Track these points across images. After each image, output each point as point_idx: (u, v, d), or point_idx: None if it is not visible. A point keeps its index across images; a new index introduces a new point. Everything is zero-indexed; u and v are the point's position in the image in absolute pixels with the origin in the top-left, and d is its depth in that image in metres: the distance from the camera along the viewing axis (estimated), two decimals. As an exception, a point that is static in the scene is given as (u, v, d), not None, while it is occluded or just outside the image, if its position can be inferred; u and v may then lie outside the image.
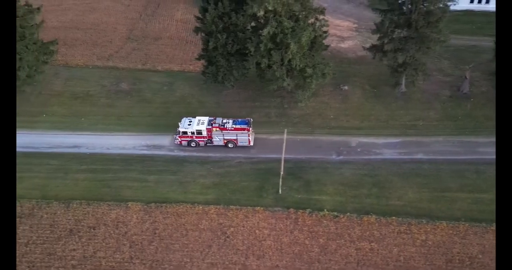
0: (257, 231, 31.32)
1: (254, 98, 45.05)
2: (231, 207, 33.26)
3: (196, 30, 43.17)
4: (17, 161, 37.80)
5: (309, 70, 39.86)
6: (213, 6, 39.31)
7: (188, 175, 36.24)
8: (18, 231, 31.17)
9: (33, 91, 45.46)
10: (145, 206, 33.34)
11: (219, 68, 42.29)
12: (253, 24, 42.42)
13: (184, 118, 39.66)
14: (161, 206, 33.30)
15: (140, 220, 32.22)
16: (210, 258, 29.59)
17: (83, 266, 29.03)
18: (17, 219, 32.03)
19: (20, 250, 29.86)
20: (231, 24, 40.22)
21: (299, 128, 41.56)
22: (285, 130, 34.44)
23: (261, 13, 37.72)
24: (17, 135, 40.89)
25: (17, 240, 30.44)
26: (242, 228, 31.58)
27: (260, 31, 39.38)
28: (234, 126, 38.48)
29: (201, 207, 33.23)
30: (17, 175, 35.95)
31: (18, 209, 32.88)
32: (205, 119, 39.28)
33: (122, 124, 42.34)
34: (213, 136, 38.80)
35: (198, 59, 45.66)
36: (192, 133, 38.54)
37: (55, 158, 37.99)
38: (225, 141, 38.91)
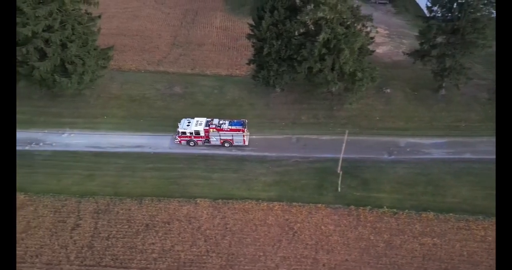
0: (322, 227, 31.40)
1: (301, 101, 45.14)
2: (294, 204, 33.35)
3: (249, 37, 43.34)
4: (87, 160, 38.79)
5: (359, 74, 39.88)
6: (269, 14, 39.47)
7: (249, 173, 36.39)
8: (97, 225, 31.63)
9: (93, 94, 45.91)
10: (213, 202, 33.55)
11: (270, 73, 42.52)
12: (302, 30, 42.71)
13: (184, 119, 40.21)
14: (228, 202, 33.47)
15: (210, 216, 32.43)
16: (281, 252, 29.71)
17: (163, 259, 29.22)
18: (95, 214, 32.56)
19: (102, 243, 30.18)
20: (284, 31, 40.40)
21: (347, 129, 41.52)
22: (346, 131, 34.37)
23: (316, 18, 38.00)
24: (83, 135, 42.22)
25: (98, 234, 31.03)
26: (307, 224, 31.66)
27: (313, 38, 39.59)
28: (230, 127, 38.97)
29: (265, 204, 33.35)
30: (89, 172, 37.10)
31: (94, 205, 33.37)
32: (203, 120, 39.75)
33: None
34: (210, 136, 39.23)
35: (249, 63, 45.97)
36: (191, 133, 38.98)
37: (121, 157, 38.23)
38: (222, 141, 39.37)
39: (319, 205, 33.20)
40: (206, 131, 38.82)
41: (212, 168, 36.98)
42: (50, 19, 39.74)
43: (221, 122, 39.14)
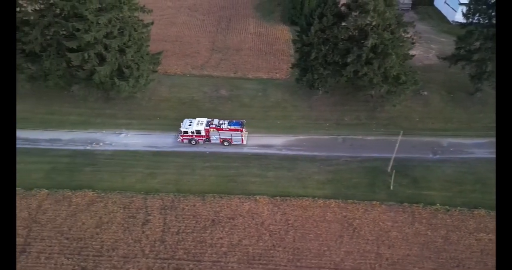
0: (380, 223, 31.35)
1: (342, 103, 45.07)
2: (349, 201, 33.30)
3: (295, 41, 43.52)
4: (147, 159, 38.97)
5: (403, 77, 39.86)
6: (317, 20, 39.59)
7: (302, 171, 36.40)
8: (166, 221, 31.81)
9: (144, 97, 46.18)
10: (272, 199, 33.59)
11: (315, 76, 42.59)
12: (346, 35, 42.63)
13: (186, 119, 40.65)
14: (286, 200, 33.49)
15: (271, 212, 32.49)
16: (345, 247, 29.70)
17: (233, 252, 29.35)
18: (162, 210, 32.69)
19: (173, 238, 30.34)
20: (331, 36, 40.47)
21: (390, 129, 41.59)
22: (401, 132, 34.18)
23: (364, 24, 37.99)
24: (139, 135, 42.09)
25: (168, 229, 31.21)
26: (365, 220, 31.62)
27: (359, 43, 39.56)
28: (229, 127, 39.45)
29: (322, 201, 33.33)
30: (150, 171, 37.28)
31: (159, 202, 33.57)
32: (204, 120, 40.24)
33: (228, 126, 43.09)
34: (210, 135, 39.61)
35: (292, 67, 46.07)
36: (192, 133, 39.41)
37: (178, 156, 38.38)
38: (221, 140, 39.81)
39: (374, 202, 33.16)
40: (207, 131, 39.41)
41: (266, 167, 37.03)
42: (109, 26, 40.24)
43: (220, 122, 39.78)
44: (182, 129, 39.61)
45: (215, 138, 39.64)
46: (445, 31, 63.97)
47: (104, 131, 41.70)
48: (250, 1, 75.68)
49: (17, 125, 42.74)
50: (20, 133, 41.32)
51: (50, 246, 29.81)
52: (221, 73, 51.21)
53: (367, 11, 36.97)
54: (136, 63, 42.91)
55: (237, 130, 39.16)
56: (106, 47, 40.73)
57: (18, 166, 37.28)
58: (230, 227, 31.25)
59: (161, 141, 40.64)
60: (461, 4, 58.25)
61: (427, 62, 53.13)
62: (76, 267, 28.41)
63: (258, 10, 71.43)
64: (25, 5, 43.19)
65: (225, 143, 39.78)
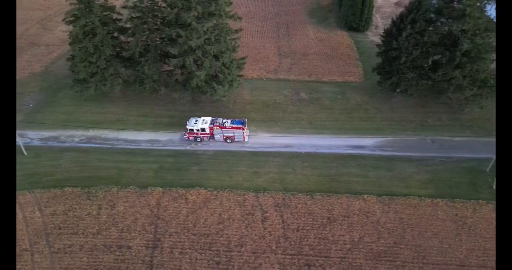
0: (493, 222, 30.80)
1: (422, 105, 44.50)
2: (456, 200, 32.76)
3: (379, 46, 43.20)
4: (247, 158, 38.69)
5: (491, 80, 39.23)
6: (410, 26, 39.16)
7: (402, 171, 35.92)
8: (283, 218, 31.68)
9: (229, 99, 46.16)
10: (379, 198, 33.26)
11: (401, 79, 42.10)
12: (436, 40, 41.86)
13: (191, 118, 41.26)
14: (393, 199, 33.12)
15: (382, 210, 32.18)
16: (465, 244, 29.27)
17: (357, 249, 29.15)
18: (276, 208, 32.60)
19: (295, 234, 30.29)
20: (421, 41, 39.98)
21: (474, 131, 40.97)
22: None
23: (458, 29, 37.46)
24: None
25: (288, 226, 31.04)
26: (477, 219, 31.11)
27: (452, 47, 38.96)
28: (231, 125, 39.93)
29: (429, 200, 32.86)
30: (253, 170, 37.10)
31: (271, 199, 33.50)
32: (208, 119, 40.91)
33: (315, 127, 42.44)
34: (214, 133, 40.15)
35: (373, 71, 45.69)
36: (198, 130, 39.84)
37: (276, 156, 38.26)
38: (224, 137, 40.28)
39: (480, 201, 32.58)
40: (211, 129, 39.91)
41: (365, 167, 36.69)
42: (208, 33, 40.38)
43: (224, 121, 40.18)
44: (188, 127, 40.26)
45: (218, 136, 40.27)
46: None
47: (198, 133, 42.18)
48: (303, 8, 75.49)
49: (113, 126, 43.98)
50: (118, 134, 41.99)
51: (180, 242, 30.00)
52: (296, 77, 51.08)
53: (463, 16, 36.55)
54: (228, 68, 43.11)
55: (239, 128, 39.72)
56: (203, 53, 41.01)
57: (126, 165, 38.10)
58: (348, 225, 31.04)
59: (255, 141, 40.51)
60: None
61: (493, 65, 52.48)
62: (211, 262, 28.53)
63: (312, 16, 71.21)
64: (122, 12, 44.00)
65: (228, 140, 40.28)
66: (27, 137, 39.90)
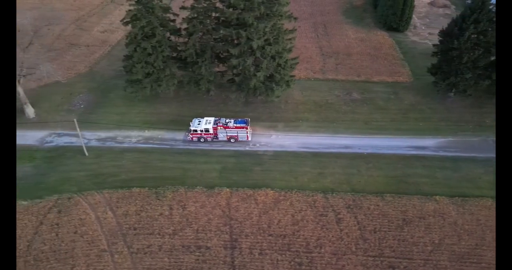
0: None
1: (478, 105, 44.08)
2: (530, 201, 32.70)
3: (437, 46, 42.95)
4: (309, 159, 38.68)
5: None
6: (473, 26, 38.91)
7: (469, 172, 35.59)
8: (358, 219, 31.50)
9: (281, 100, 46.05)
10: (452, 199, 32.92)
11: (460, 80, 41.78)
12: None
13: (194, 119, 41.26)
14: (466, 200, 32.78)
15: (457, 212, 31.75)
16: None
17: (439, 251, 28.85)
18: (349, 209, 32.47)
19: (373, 236, 30.05)
20: (483, 41, 39.71)
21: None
22: None
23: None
24: (288, 137, 41.09)
25: (364, 228, 30.87)
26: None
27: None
28: (235, 125, 40.01)
29: (502, 201, 32.81)
30: (317, 171, 36.92)
31: (341, 201, 33.31)
32: (211, 119, 40.97)
33: (371, 128, 42.22)
34: (218, 133, 40.19)
35: (428, 71, 45.41)
36: (201, 131, 39.84)
37: (338, 157, 38.10)
38: (228, 137, 40.32)
39: (556, 203, 32.38)
40: (215, 129, 39.93)
41: (431, 168, 36.35)
42: (268, 33, 40.40)
43: (227, 121, 40.25)
44: (192, 128, 40.35)
45: (222, 135, 40.30)
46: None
47: (254, 133, 42.00)
48: (336, 8, 75.32)
49: (169, 127, 44.12)
50: (175, 135, 42.14)
51: (258, 242, 29.96)
52: (345, 77, 50.95)
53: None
54: (284, 68, 43.11)
55: (242, 128, 39.80)
56: (262, 54, 41.02)
57: (189, 165, 38.26)
58: (425, 227, 30.77)
59: (313, 142, 40.45)
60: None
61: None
62: (292, 263, 28.46)
63: (347, 16, 70.99)
64: (178, 13, 44.17)
65: (232, 140, 40.30)
66: (84, 138, 40.23)
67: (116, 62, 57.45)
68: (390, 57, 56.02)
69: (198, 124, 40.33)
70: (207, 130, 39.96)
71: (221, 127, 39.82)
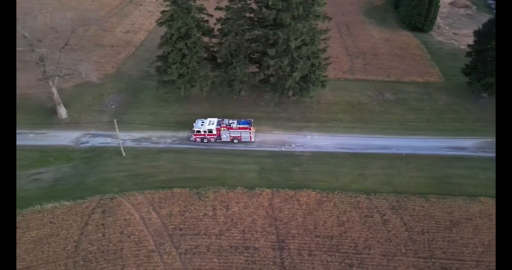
0: None
1: (513, 106, 44.11)
2: None
3: (472, 46, 42.83)
4: (348, 160, 38.38)
5: None
6: None
7: None
8: (404, 220, 31.23)
9: (313, 100, 46.04)
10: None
11: (495, 80, 41.66)
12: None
13: (198, 120, 41.45)
14: (511, 201, 32.91)
15: (504, 213, 31.88)
16: None
17: (490, 252, 28.61)
18: (393, 210, 32.28)
19: (422, 237, 29.68)
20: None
21: None
22: None
23: None
24: (323, 137, 40.84)
25: (412, 229, 30.70)
26: None
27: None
28: (238, 126, 40.20)
29: (549, 203, 32.58)
30: (358, 172, 36.66)
31: (385, 202, 33.20)
32: (215, 120, 41.17)
33: (407, 129, 42.09)
34: (221, 133, 40.35)
35: (462, 72, 45.21)
36: (205, 132, 40.18)
37: (376, 158, 37.99)
38: (231, 138, 40.40)
39: None
40: (218, 129, 40.01)
41: (472, 169, 36.27)
42: (304, 34, 40.42)
43: (230, 121, 40.36)
44: (195, 129, 40.45)
45: (225, 136, 40.40)
46: None
47: (288, 134, 41.93)
48: (357, 9, 75.22)
49: None
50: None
51: (306, 243, 29.92)
52: (375, 77, 50.86)
53: None
54: (318, 69, 43.12)
55: (245, 128, 39.92)
56: (299, 54, 41.00)
57: (228, 166, 38.26)
58: (473, 228, 30.63)
59: (349, 142, 40.24)
60: None
61: None
62: (343, 264, 28.38)
63: (369, 16, 70.87)
64: (211, 14, 44.22)
65: (235, 141, 40.35)
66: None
67: (142, 63, 57.88)
68: (418, 57, 55.85)
69: (202, 125, 40.56)
70: (210, 131, 40.15)
71: (224, 128, 39.99)
